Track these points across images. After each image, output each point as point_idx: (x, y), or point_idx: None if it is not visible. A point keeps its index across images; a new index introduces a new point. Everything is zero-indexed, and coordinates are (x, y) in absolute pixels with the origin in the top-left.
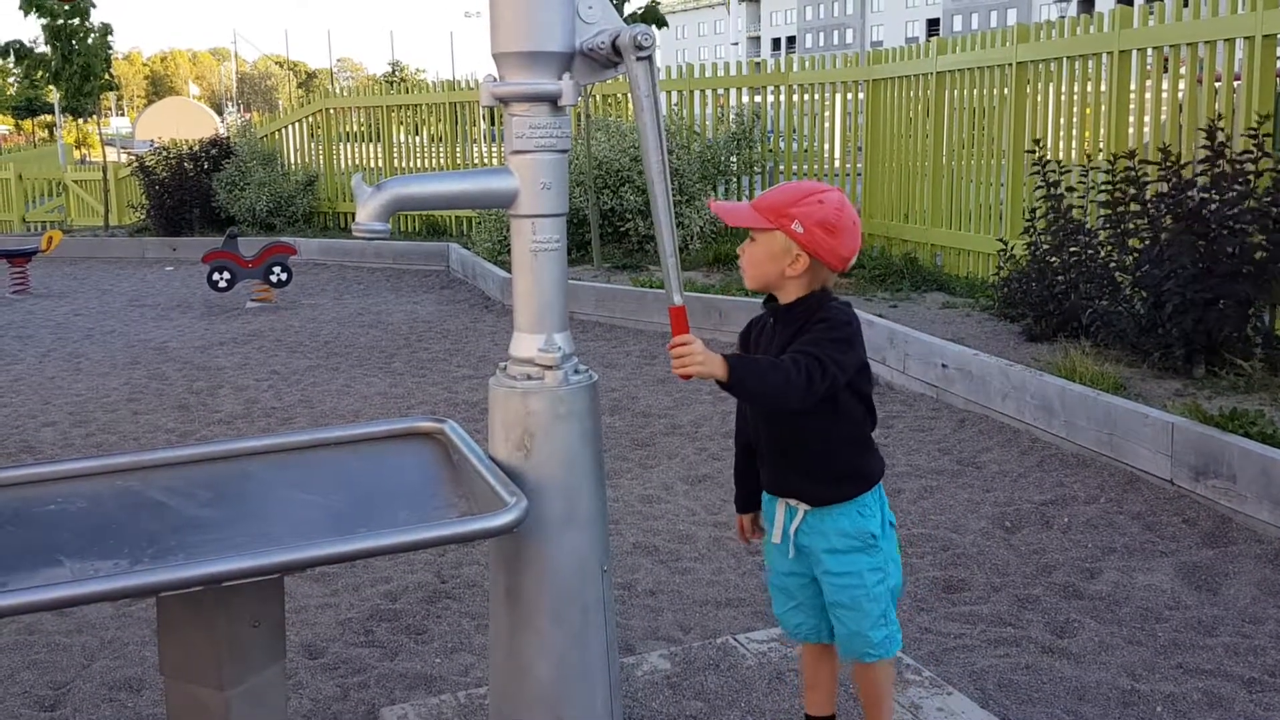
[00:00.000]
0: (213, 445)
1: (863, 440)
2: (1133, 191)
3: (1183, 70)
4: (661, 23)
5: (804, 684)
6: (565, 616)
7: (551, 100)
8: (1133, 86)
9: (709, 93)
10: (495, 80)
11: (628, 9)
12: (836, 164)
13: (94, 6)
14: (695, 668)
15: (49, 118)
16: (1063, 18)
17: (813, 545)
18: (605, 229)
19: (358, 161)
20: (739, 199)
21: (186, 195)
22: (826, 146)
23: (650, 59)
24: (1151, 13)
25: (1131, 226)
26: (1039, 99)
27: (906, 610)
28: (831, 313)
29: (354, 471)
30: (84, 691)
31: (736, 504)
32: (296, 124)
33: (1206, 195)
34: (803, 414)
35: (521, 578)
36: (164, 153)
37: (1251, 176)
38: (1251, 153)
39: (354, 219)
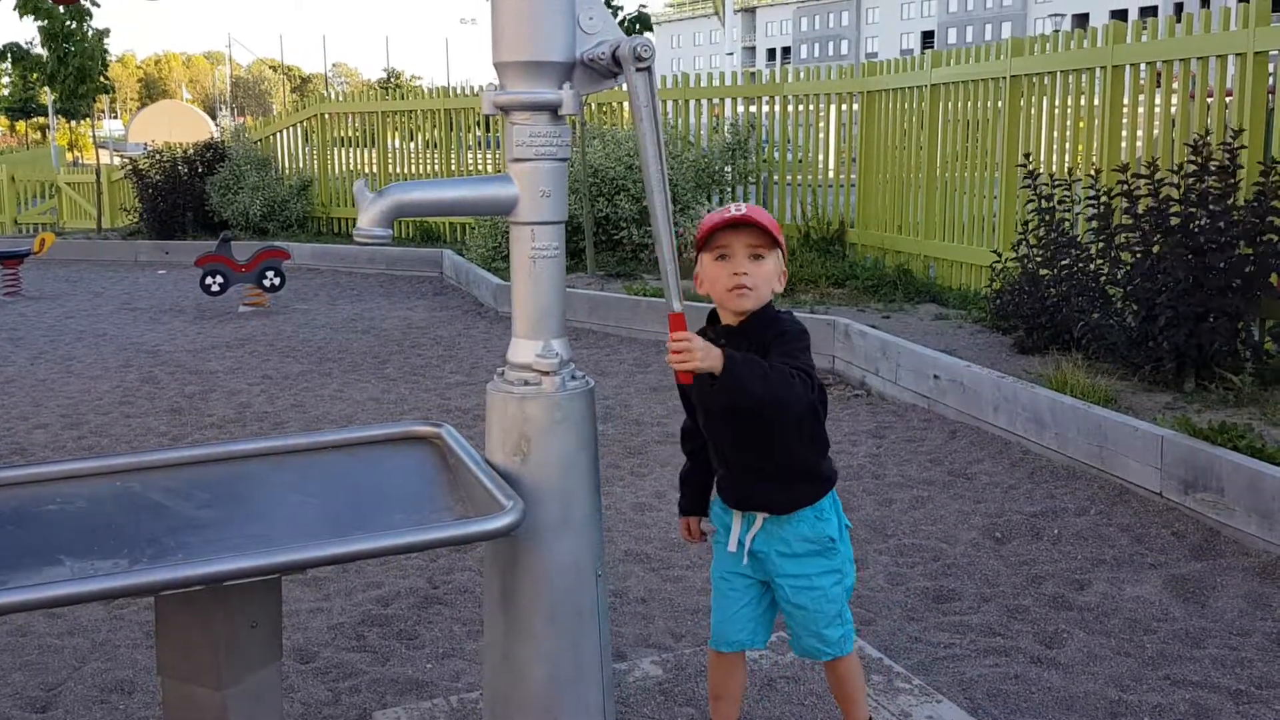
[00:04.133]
0: (211, 447)
1: (822, 440)
2: (1125, 205)
3: (1175, 85)
4: (647, 28)
5: (711, 695)
6: (560, 620)
7: (552, 109)
8: (1125, 101)
9: (704, 102)
10: (497, 89)
11: (618, 17)
12: (830, 175)
13: (97, 6)
14: (686, 674)
15: (42, 120)
16: (1057, 32)
17: (768, 550)
18: (600, 237)
19: (352, 167)
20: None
21: (180, 198)
22: (821, 157)
23: (650, 70)
24: (1145, 28)
25: (1123, 240)
26: (1032, 112)
27: (897, 619)
28: (786, 325)
29: (351, 474)
30: (76, 693)
31: (682, 508)
32: (291, 128)
33: (1195, 210)
34: (770, 423)
35: (517, 581)
36: (157, 156)
37: (1230, 191)
38: (1227, 166)
39: (355, 224)
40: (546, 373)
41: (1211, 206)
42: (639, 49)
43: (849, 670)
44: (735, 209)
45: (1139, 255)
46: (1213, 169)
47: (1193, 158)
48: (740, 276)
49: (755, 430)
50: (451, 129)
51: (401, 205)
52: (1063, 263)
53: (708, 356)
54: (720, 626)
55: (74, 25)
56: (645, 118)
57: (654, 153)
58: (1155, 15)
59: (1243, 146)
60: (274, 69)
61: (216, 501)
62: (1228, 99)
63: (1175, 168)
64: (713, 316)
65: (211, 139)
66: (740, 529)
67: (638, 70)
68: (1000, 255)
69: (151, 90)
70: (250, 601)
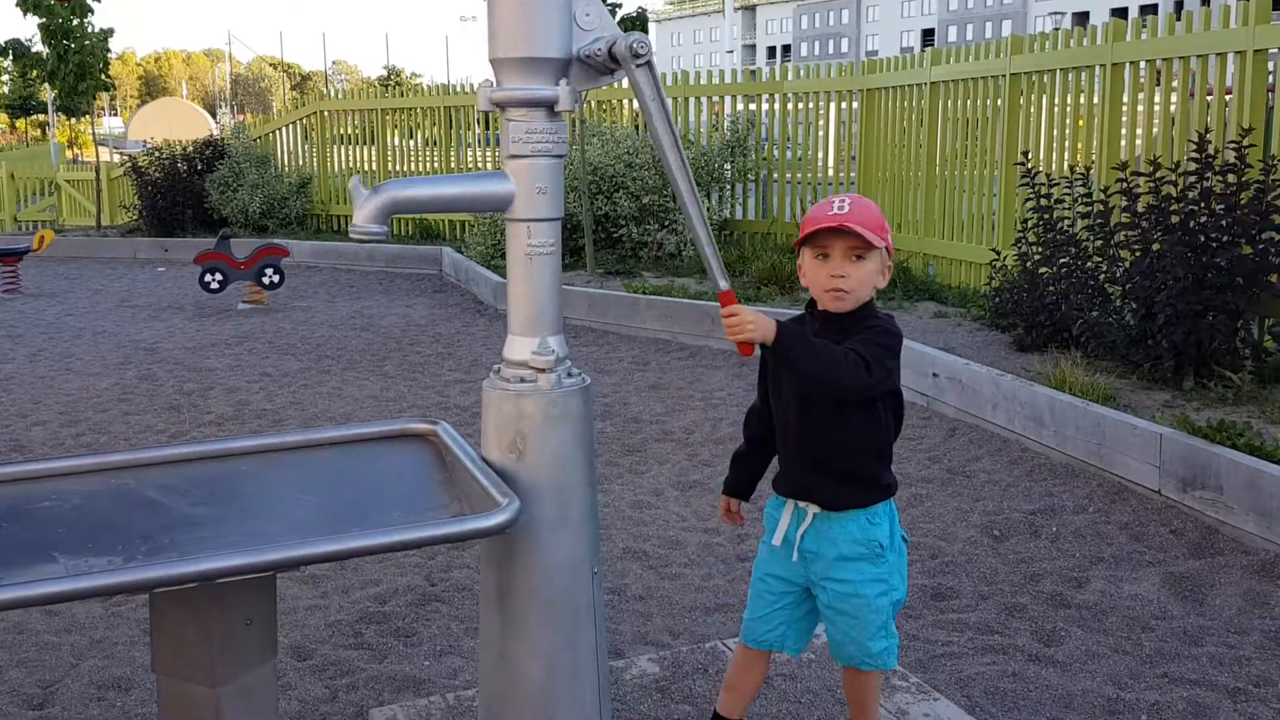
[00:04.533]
0: (207, 444)
1: (888, 451)
2: (1124, 203)
3: (1174, 84)
4: (644, 29)
5: (725, 684)
6: (556, 618)
7: (548, 106)
8: (1125, 99)
9: (704, 100)
10: (493, 85)
11: (617, 15)
12: (830, 173)
13: (98, 0)
14: (684, 672)
15: (42, 117)
16: (1056, 30)
17: (820, 551)
18: (599, 235)
19: (352, 164)
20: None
21: (179, 196)
22: (820, 155)
23: (649, 64)
24: (1144, 26)
25: (1122, 238)
26: (1032, 110)
27: None
28: (883, 320)
29: (347, 472)
30: (73, 690)
31: (727, 485)
32: (290, 126)
33: (1195, 208)
34: (841, 415)
35: (513, 579)
36: (157, 153)
37: (1236, 189)
38: (1235, 165)
39: (350, 221)
40: (542, 370)
41: (1216, 205)
42: (635, 45)
43: (875, 683)
44: (838, 207)
45: (1138, 253)
46: (1218, 168)
47: (1194, 154)
48: (838, 279)
49: (820, 418)
50: (451, 126)
51: (397, 202)
52: (1062, 261)
53: (759, 327)
54: (751, 624)
55: (74, 22)
56: (654, 110)
57: (670, 141)
58: (1155, 13)
59: (1251, 145)
60: (274, 66)
61: (212, 499)
62: (1227, 97)
63: (1173, 165)
64: (812, 303)
65: (211, 136)
66: (790, 524)
67: (638, 66)
68: (999, 253)
69: (151, 88)
70: (245, 599)
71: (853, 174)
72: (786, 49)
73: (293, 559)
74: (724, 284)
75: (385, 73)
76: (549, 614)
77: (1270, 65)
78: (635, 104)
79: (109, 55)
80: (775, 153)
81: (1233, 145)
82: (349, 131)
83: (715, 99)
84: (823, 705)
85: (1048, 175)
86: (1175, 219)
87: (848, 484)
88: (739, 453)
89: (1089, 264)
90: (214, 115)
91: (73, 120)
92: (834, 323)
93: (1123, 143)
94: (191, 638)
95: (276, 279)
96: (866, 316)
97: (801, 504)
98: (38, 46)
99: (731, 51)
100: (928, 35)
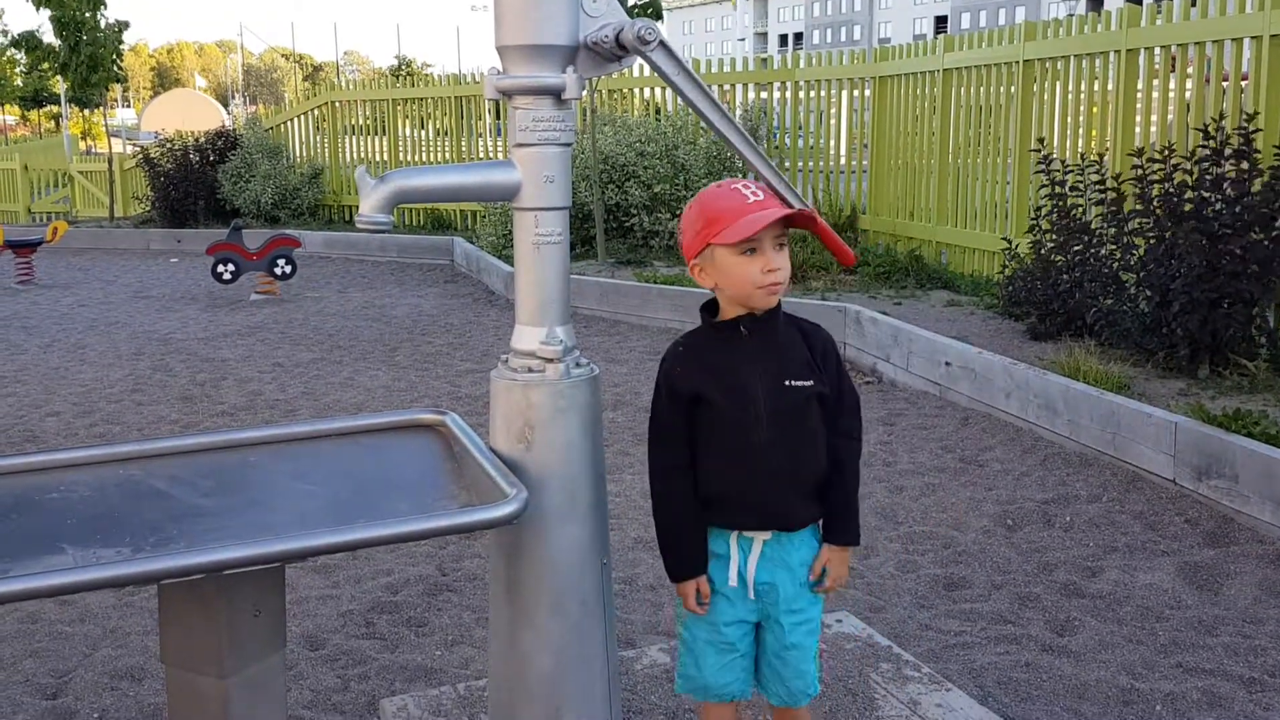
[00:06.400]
0: (215, 435)
1: None
2: (1138, 190)
3: (1190, 69)
4: (658, 16)
5: None
6: (564, 609)
7: (555, 93)
8: (1140, 85)
9: (716, 88)
10: (499, 73)
11: (629, 2)
12: (842, 161)
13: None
14: None
15: (55, 108)
16: (1071, 16)
17: (775, 581)
18: (610, 224)
19: (363, 155)
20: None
21: (191, 187)
22: (833, 143)
23: (662, 44)
24: (1160, 12)
25: (1137, 225)
26: (1046, 97)
27: (907, 607)
28: (825, 334)
29: (356, 462)
30: (86, 680)
31: (687, 566)
32: (302, 117)
33: (1208, 195)
34: (809, 423)
35: (521, 570)
36: (169, 144)
37: (1248, 175)
38: (1245, 151)
39: (358, 211)
40: (550, 360)
41: (1227, 191)
42: (643, 32)
43: (808, 715)
44: (753, 194)
45: (1153, 241)
46: (1228, 153)
47: (1205, 142)
48: (775, 273)
49: (794, 433)
50: (463, 116)
51: (403, 191)
52: (1075, 248)
53: (846, 563)
54: (715, 678)
55: (87, 14)
56: (682, 84)
57: (710, 106)
58: None
59: (1258, 130)
60: (286, 57)
61: (220, 489)
62: (1244, 83)
63: (1189, 153)
64: (712, 307)
65: (223, 127)
66: (739, 558)
67: (650, 51)
68: (1012, 241)
69: (164, 79)
70: (253, 590)
71: (865, 162)
72: (799, 36)
73: (300, 550)
74: (796, 204)
75: (396, 63)
76: (557, 604)
77: None
78: (646, 93)
79: (122, 47)
80: (787, 141)
81: (1240, 131)
82: (361, 122)
83: (727, 87)
84: (833, 695)
85: (1063, 162)
86: (1189, 206)
87: (818, 492)
88: (687, 518)
89: (1103, 251)
90: (226, 106)
91: (86, 112)
92: (766, 323)
93: (1137, 130)
94: (200, 629)
95: (289, 269)
96: (796, 319)
97: (747, 534)
98: (49, 38)
99: (743, 39)
100: (940, 22)
